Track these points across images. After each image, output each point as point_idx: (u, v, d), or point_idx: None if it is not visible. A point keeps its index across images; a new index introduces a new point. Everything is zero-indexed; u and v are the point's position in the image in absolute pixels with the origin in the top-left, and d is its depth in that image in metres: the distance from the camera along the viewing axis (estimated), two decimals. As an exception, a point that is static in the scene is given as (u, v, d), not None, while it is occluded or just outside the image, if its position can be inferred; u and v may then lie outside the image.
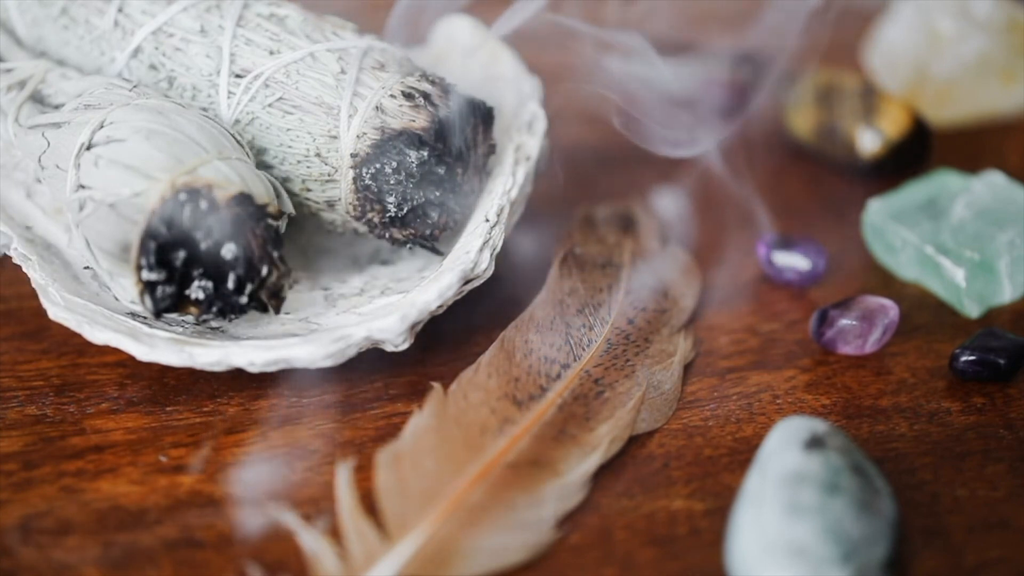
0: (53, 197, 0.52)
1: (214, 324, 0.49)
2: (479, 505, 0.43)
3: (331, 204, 0.51)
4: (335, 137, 0.49)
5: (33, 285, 0.49)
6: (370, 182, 0.49)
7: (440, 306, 0.48)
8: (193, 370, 0.49)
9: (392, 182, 0.49)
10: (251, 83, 0.50)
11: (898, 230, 0.55)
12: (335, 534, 0.43)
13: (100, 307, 0.48)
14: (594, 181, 0.63)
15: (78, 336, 0.49)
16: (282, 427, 0.47)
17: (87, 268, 0.50)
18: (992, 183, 0.55)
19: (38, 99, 0.52)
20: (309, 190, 0.50)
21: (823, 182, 0.63)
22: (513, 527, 0.43)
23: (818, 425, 0.44)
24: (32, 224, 0.52)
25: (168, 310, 0.46)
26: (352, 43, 0.51)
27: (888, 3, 0.71)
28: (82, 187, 0.46)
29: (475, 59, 0.57)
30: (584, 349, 0.50)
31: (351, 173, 0.49)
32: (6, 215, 0.52)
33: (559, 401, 0.47)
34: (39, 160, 0.49)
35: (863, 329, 0.51)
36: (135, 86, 0.50)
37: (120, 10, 0.52)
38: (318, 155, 0.50)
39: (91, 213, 0.46)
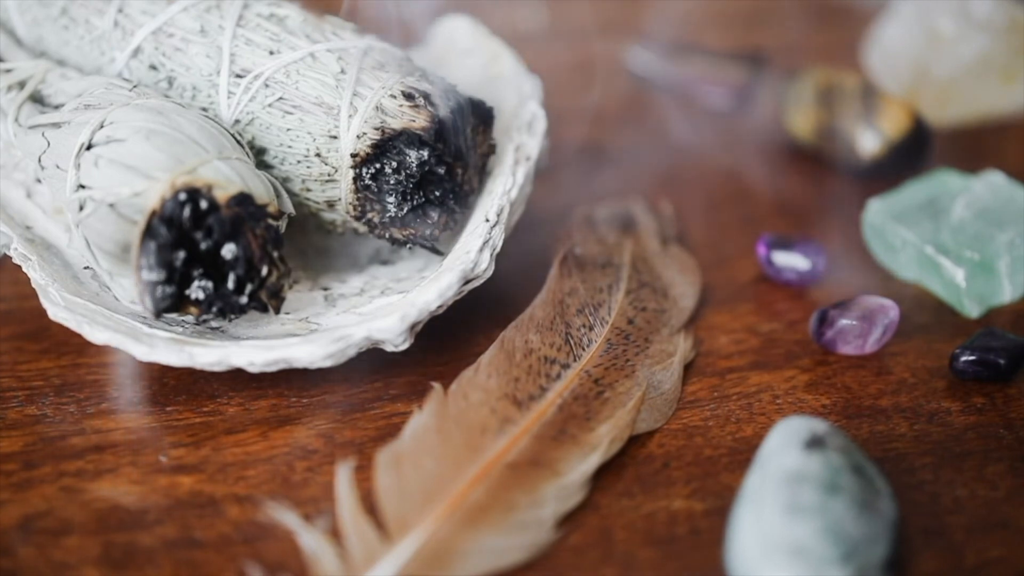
0: (53, 197, 0.52)
1: (214, 324, 0.49)
2: (479, 505, 0.43)
3: (331, 204, 0.51)
4: (335, 137, 0.49)
5: (33, 285, 0.49)
6: (370, 182, 0.49)
7: (440, 306, 0.48)
8: (193, 370, 0.49)
9: (392, 182, 0.49)
10: (251, 83, 0.50)
11: (898, 230, 0.55)
12: (335, 534, 0.42)
13: (100, 307, 0.48)
14: (594, 181, 0.63)
15: (78, 336, 0.49)
16: (282, 427, 0.47)
17: (87, 268, 0.50)
18: (992, 183, 0.55)
19: (38, 99, 0.52)
20: (309, 190, 0.50)
21: (823, 182, 0.63)
22: (513, 527, 0.43)
23: (818, 425, 0.44)
24: (32, 224, 0.52)
25: (168, 310, 0.46)
26: (352, 43, 0.51)
27: (888, 3, 0.71)
28: (82, 187, 0.46)
29: (475, 59, 0.57)
30: (584, 349, 0.50)
31: (351, 173, 0.49)
32: (6, 215, 0.52)
33: (559, 401, 0.47)
34: (39, 160, 0.49)
35: (863, 329, 0.51)
36: (135, 86, 0.50)
37: (120, 10, 0.52)
38: (318, 155, 0.50)
39: (91, 213, 0.46)
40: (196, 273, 0.45)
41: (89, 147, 0.47)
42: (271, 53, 0.50)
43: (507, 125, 0.54)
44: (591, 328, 0.51)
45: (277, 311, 0.47)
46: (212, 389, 0.49)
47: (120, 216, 0.46)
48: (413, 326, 0.48)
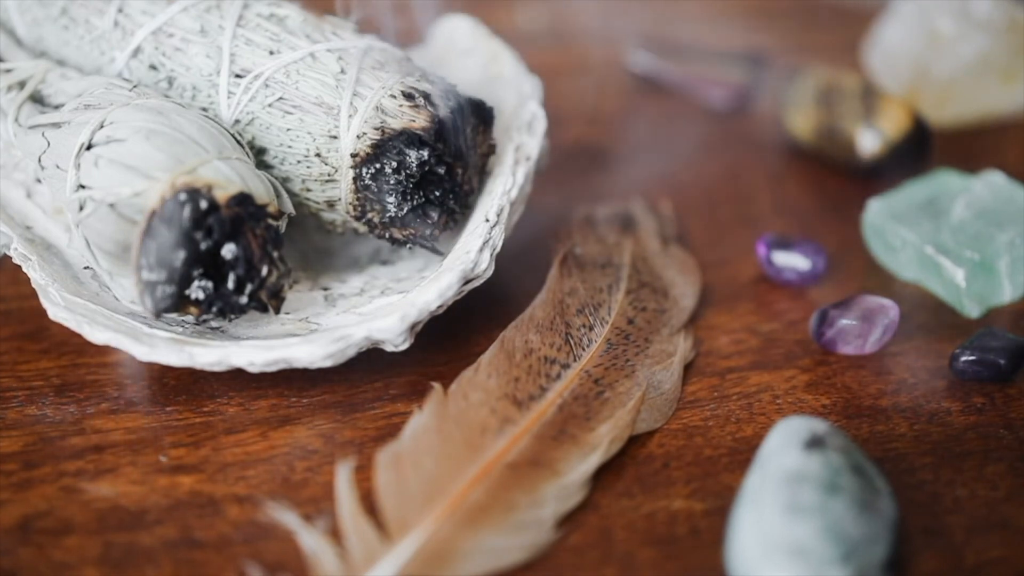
0: (53, 197, 0.52)
1: (214, 324, 0.49)
2: (479, 505, 0.43)
3: (331, 204, 0.51)
4: (335, 137, 0.49)
5: (33, 285, 0.49)
6: (370, 182, 0.49)
7: (440, 306, 0.48)
8: (193, 370, 0.49)
9: (392, 182, 0.49)
10: (251, 83, 0.50)
11: (898, 230, 0.55)
12: (335, 534, 0.42)
13: (100, 307, 0.48)
14: (594, 181, 0.63)
15: (78, 336, 0.49)
16: (282, 427, 0.47)
17: (87, 268, 0.50)
18: (992, 183, 0.55)
19: (38, 99, 0.52)
20: (309, 190, 0.50)
21: (823, 182, 0.63)
22: (513, 527, 0.43)
23: (818, 425, 0.44)
24: (32, 224, 0.52)
25: (168, 310, 0.46)
26: (352, 43, 0.51)
27: (888, 3, 0.71)
28: (82, 187, 0.46)
29: (475, 59, 0.57)
30: (584, 349, 0.50)
31: (351, 173, 0.49)
32: (6, 215, 0.52)
33: (559, 401, 0.47)
34: (39, 160, 0.49)
35: (863, 329, 0.51)
36: (135, 86, 0.50)
37: (120, 10, 0.52)
38: (318, 155, 0.50)
39: (91, 213, 0.46)
40: (196, 273, 0.45)
41: (89, 147, 0.47)
42: (271, 53, 0.50)
43: (507, 125, 0.54)
44: (591, 328, 0.51)
45: (277, 311, 0.47)
46: (212, 389, 0.49)
47: (120, 216, 0.46)
48: (413, 326, 0.48)
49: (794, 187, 0.63)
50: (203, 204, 0.45)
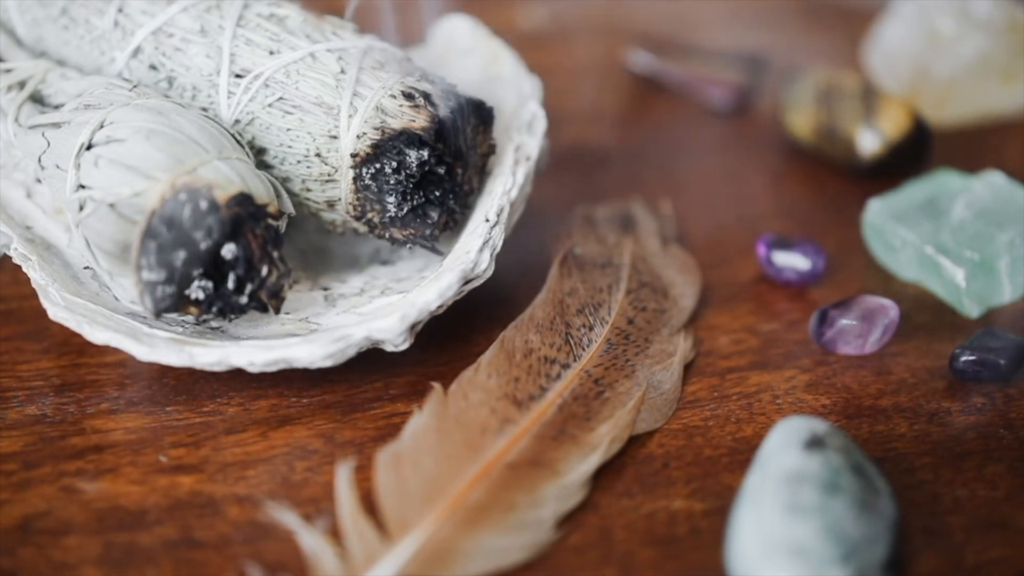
0: (53, 197, 0.52)
1: (214, 324, 0.49)
2: (479, 505, 0.43)
3: (331, 204, 0.51)
4: (335, 137, 0.49)
5: (33, 285, 0.49)
6: (370, 182, 0.49)
7: (440, 306, 0.48)
8: (193, 370, 0.49)
9: (392, 182, 0.49)
10: (251, 83, 0.50)
11: (898, 230, 0.55)
12: (335, 534, 0.42)
13: (100, 307, 0.48)
14: (594, 181, 0.63)
15: (78, 336, 0.49)
16: (282, 427, 0.47)
17: (87, 268, 0.50)
18: (992, 183, 0.55)
19: (38, 99, 0.52)
20: (309, 190, 0.50)
21: (823, 182, 0.63)
22: (513, 527, 0.43)
23: (818, 425, 0.44)
24: (32, 224, 0.52)
25: (168, 310, 0.46)
26: (352, 43, 0.51)
27: (888, 3, 0.71)
28: (82, 187, 0.46)
29: (475, 59, 0.57)
30: (584, 349, 0.50)
31: (351, 173, 0.49)
32: (6, 215, 0.52)
33: (559, 401, 0.47)
34: (39, 160, 0.49)
35: (863, 329, 0.51)
36: (135, 86, 0.50)
37: (120, 10, 0.52)
38: (318, 155, 0.50)
39: (91, 213, 0.46)
40: (196, 273, 0.45)
41: (89, 147, 0.47)
42: (271, 53, 0.50)
43: (507, 125, 0.54)
44: (591, 328, 0.51)
45: (277, 311, 0.47)
46: (212, 389, 0.49)
47: (120, 216, 0.46)
48: (413, 326, 0.48)
49: (794, 187, 0.63)
50: (203, 204, 0.45)
